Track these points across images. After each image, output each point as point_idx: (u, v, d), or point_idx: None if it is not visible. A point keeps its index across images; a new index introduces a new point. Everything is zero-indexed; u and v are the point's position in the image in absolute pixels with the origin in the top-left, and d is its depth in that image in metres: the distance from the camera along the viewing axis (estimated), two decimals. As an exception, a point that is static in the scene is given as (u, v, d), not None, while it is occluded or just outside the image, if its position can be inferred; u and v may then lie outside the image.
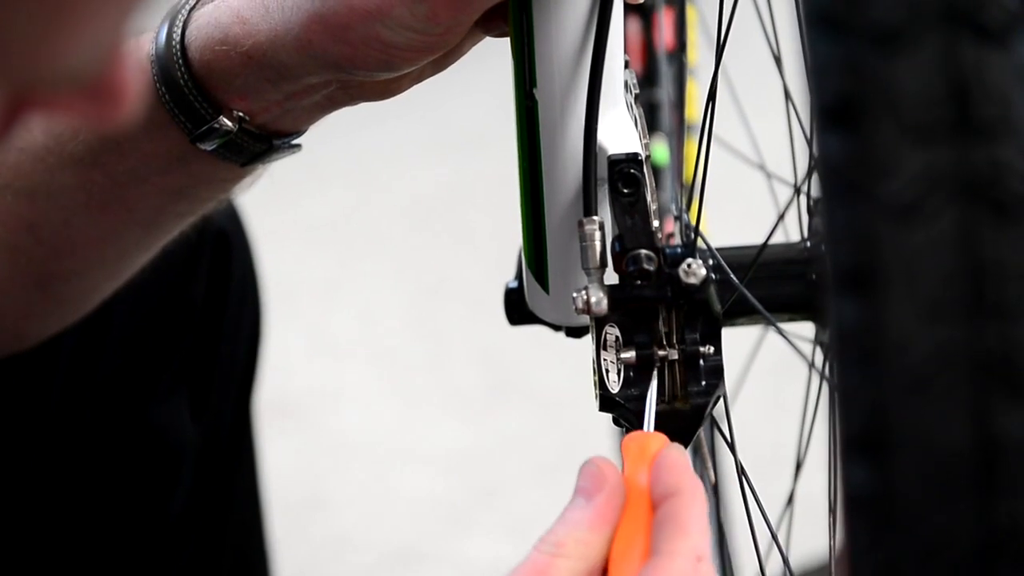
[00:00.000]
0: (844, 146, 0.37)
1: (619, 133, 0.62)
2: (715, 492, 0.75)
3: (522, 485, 1.67)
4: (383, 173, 2.27)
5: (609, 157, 0.61)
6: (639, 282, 0.58)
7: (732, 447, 0.65)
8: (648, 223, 0.59)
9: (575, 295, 0.59)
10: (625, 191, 0.60)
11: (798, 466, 0.76)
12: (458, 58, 0.65)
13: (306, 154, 2.37)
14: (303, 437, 1.79)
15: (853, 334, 0.37)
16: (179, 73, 0.64)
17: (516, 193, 0.67)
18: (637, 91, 0.65)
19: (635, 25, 1.18)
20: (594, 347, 0.60)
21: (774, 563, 0.71)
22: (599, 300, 0.58)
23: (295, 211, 2.21)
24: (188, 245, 0.84)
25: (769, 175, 0.77)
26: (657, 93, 1.17)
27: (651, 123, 1.20)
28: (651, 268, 0.57)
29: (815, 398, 0.72)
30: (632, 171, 0.60)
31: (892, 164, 0.37)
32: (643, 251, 0.58)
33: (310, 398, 1.85)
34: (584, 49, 0.61)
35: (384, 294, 2.04)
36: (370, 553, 1.62)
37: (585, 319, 0.68)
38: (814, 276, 0.68)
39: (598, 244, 0.59)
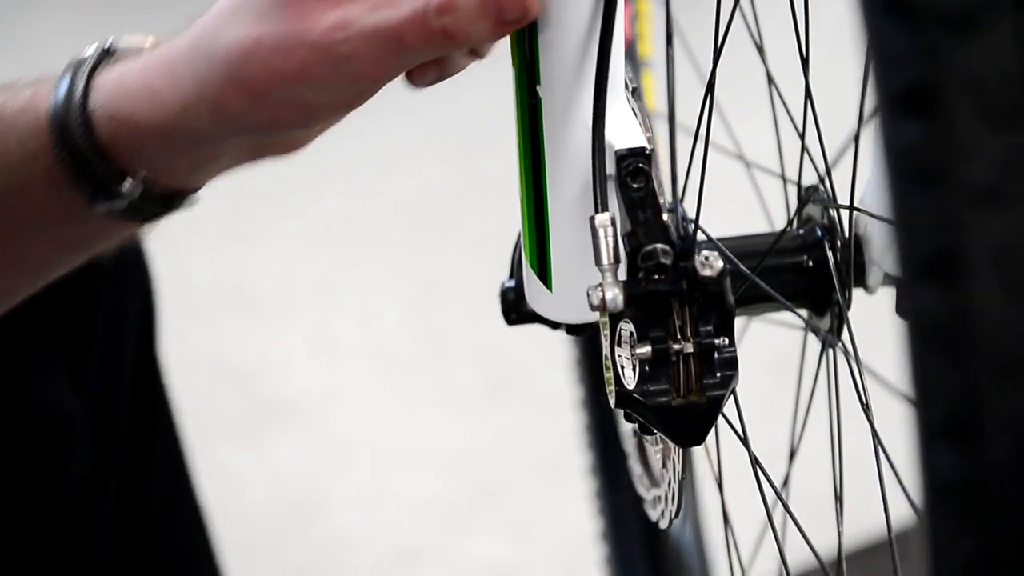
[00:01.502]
0: (920, 132, 0.37)
1: (623, 127, 0.62)
2: (720, 487, 0.74)
3: (522, 485, 1.67)
4: (382, 173, 2.27)
5: (616, 152, 0.61)
6: (656, 276, 0.57)
7: (745, 441, 0.65)
8: (660, 217, 0.59)
9: (589, 292, 0.58)
10: (634, 186, 0.60)
11: (792, 454, 0.76)
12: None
13: (305, 154, 2.38)
14: (303, 437, 1.79)
15: (936, 321, 0.37)
16: (81, 139, 0.62)
17: (516, 192, 0.67)
18: (635, 85, 0.65)
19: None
20: (608, 344, 0.60)
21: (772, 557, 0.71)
22: (615, 296, 0.58)
23: (294, 211, 2.21)
24: None
25: (748, 164, 0.77)
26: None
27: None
28: (668, 262, 0.57)
29: (811, 385, 0.72)
30: (641, 165, 0.60)
31: (972, 148, 0.37)
32: (659, 245, 0.57)
33: (310, 398, 1.85)
34: (589, 43, 0.61)
35: (384, 294, 2.04)
36: (370, 553, 1.62)
37: (593, 315, 0.68)
38: (810, 263, 0.69)
39: (611, 240, 0.59)
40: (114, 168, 0.63)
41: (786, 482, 0.76)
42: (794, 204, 0.71)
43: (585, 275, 0.66)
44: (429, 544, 1.62)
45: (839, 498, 0.72)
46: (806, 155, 0.68)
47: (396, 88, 1.75)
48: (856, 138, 0.62)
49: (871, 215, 0.66)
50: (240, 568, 1.62)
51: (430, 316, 1.97)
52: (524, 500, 1.66)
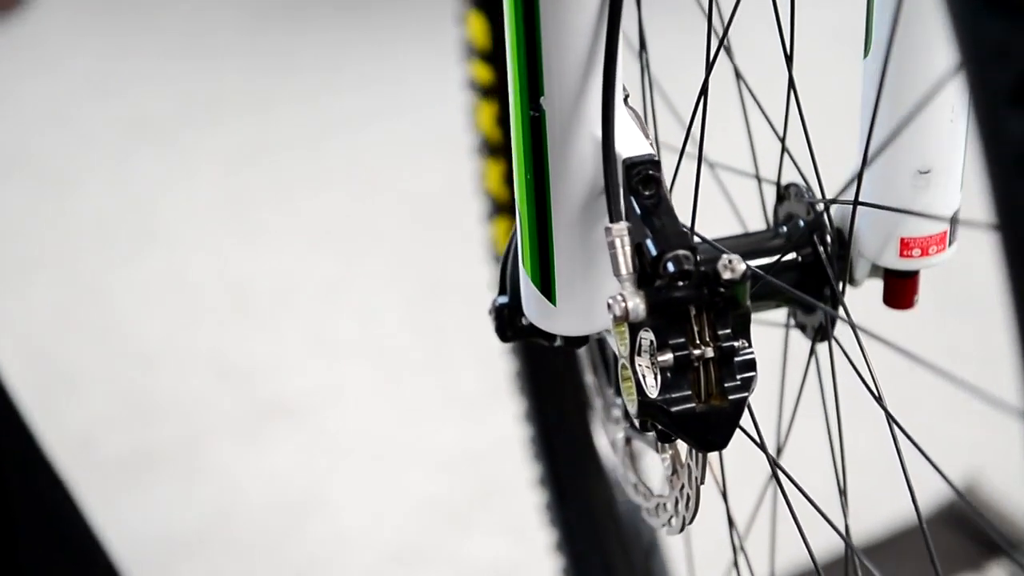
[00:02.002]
0: None
1: (627, 135, 0.62)
2: (724, 497, 0.74)
3: (522, 485, 1.67)
4: (383, 172, 2.27)
5: (625, 161, 0.60)
6: (680, 283, 0.57)
7: (762, 446, 0.65)
8: (677, 223, 0.59)
9: (611, 302, 0.58)
10: (646, 193, 0.59)
11: (778, 451, 0.76)
12: None
13: (306, 153, 2.38)
14: (303, 437, 1.78)
15: None
16: None
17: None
18: (627, 93, 0.65)
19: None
20: (628, 354, 0.59)
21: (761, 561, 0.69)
22: (636, 306, 0.57)
23: (294, 211, 2.21)
24: None
25: (712, 166, 0.77)
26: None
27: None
28: (691, 268, 0.57)
29: (814, 375, 0.72)
30: (651, 172, 0.60)
31: None
32: (681, 252, 0.57)
33: (310, 398, 1.85)
34: (594, 52, 0.61)
35: (384, 294, 2.04)
36: (370, 553, 1.62)
37: (598, 327, 0.67)
38: (801, 259, 0.69)
39: (629, 249, 0.59)
40: None
41: (774, 472, 0.76)
42: (809, 207, 0.71)
43: (590, 287, 0.66)
44: (429, 544, 1.62)
45: (843, 492, 0.72)
46: (808, 155, 0.68)
47: (395, 87, 1.73)
48: (869, 135, 0.62)
49: (875, 207, 0.66)
50: (240, 568, 1.62)
51: (430, 316, 1.97)
52: (524, 500, 1.65)
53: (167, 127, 2.40)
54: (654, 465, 0.77)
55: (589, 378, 0.84)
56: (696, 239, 0.64)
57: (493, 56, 1.22)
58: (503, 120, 1.25)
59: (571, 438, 1.31)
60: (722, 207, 0.77)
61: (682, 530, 0.68)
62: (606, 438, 0.81)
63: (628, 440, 0.78)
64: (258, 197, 2.22)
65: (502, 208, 1.32)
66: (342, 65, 2.53)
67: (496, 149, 1.27)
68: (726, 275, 0.56)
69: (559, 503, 1.34)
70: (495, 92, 1.24)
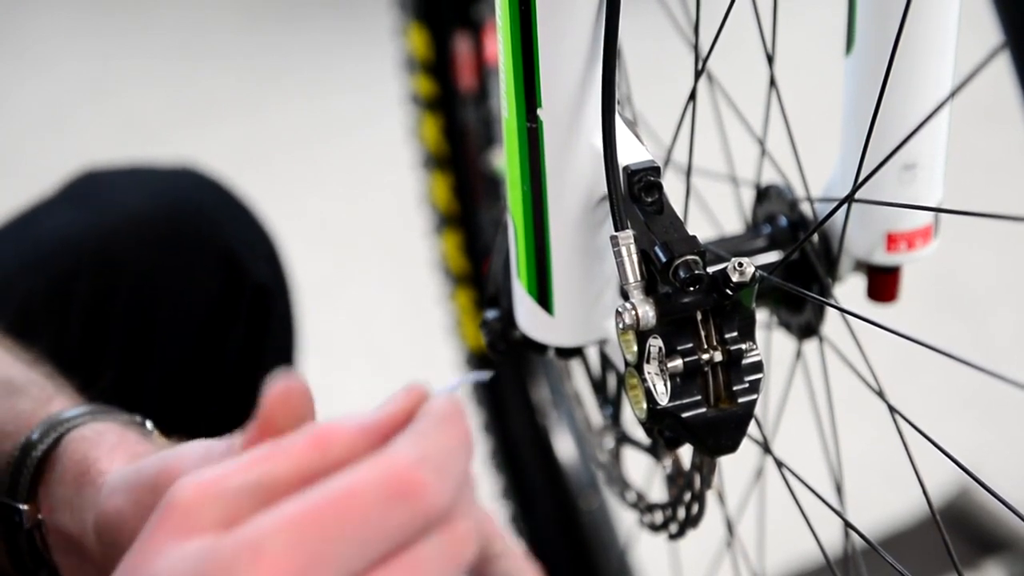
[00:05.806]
0: None
1: (626, 143, 0.62)
2: (721, 499, 0.74)
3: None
4: (381, 171, 2.27)
5: (626, 168, 0.60)
6: (692, 288, 0.57)
7: (767, 447, 0.65)
8: (683, 228, 0.59)
9: (620, 310, 0.58)
10: (649, 200, 0.59)
11: (767, 449, 0.76)
12: None
13: (304, 153, 2.38)
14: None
15: None
16: (22, 485, 0.62)
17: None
18: (619, 99, 0.65)
19: (466, 42, 1.19)
20: (636, 361, 0.59)
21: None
22: (646, 313, 0.57)
23: (293, 210, 2.21)
24: (225, 301, 0.83)
25: (690, 173, 0.77)
26: (492, 106, 1.19)
27: (488, 136, 1.22)
28: (702, 273, 0.57)
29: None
30: (652, 179, 0.60)
31: None
32: (691, 257, 0.57)
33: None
34: (592, 61, 0.60)
35: (382, 293, 2.04)
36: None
37: (595, 337, 0.67)
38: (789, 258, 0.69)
39: (636, 256, 0.59)
40: (30, 511, 0.63)
41: (760, 473, 0.76)
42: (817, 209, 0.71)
43: (588, 297, 0.66)
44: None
45: (839, 490, 0.72)
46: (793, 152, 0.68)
47: (391, 86, 1.72)
48: (869, 133, 0.62)
49: (871, 203, 0.67)
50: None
51: (428, 316, 1.98)
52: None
53: (163, 128, 2.40)
54: (635, 470, 0.78)
55: (569, 388, 0.84)
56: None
57: (436, 68, 1.22)
58: (448, 132, 1.25)
59: (532, 448, 1.31)
60: (694, 210, 0.78)
61: (683, 535, 0.68)
62: (594, 448, 0.80)
63: (618, 448, 0.78)
64: (254, 197, 2.22)
65: (450, 221, 1.32)
66: (337, 64, 2.53)
67: (442, 162, 1.27)
68: (735, 278, 0.56)
69: (524, 513, 1.34)
70: (438, 105, 1.24)
